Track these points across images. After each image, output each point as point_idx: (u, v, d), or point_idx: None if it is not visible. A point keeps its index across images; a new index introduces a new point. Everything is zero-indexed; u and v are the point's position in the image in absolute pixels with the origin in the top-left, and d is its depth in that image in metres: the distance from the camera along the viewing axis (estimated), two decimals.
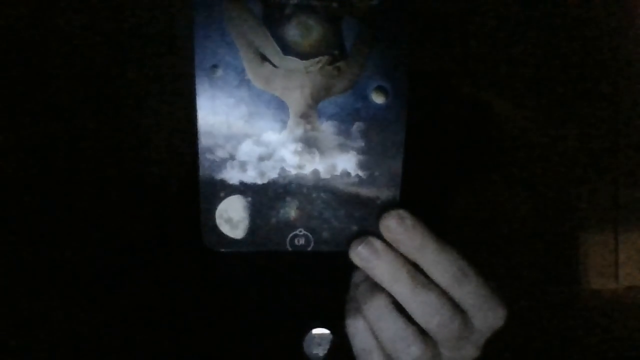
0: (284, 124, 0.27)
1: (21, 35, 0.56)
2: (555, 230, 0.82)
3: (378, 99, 0.27)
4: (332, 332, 0.39)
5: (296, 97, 0.27)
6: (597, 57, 0.81)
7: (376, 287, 0.28)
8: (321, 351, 0.39)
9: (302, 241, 0.28)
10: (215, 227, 0.27)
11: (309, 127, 0.27)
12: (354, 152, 0.27)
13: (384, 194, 0.28)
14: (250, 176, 0.27)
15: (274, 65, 0.26)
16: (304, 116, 0.27)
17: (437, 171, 0.58)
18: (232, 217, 0.27)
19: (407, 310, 0.28)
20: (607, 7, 0.80)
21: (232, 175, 0.27)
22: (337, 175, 0.28)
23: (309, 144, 0.27)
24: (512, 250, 0.77)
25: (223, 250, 0.28)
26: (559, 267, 0.83)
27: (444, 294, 0.28)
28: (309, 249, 0.28)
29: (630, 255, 0.86)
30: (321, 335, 0.40)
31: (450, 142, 0.65)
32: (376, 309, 0.28)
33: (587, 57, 0.81)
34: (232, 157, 0.27)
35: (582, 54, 0.80)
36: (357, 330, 0.29)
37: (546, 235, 0.81)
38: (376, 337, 0.29)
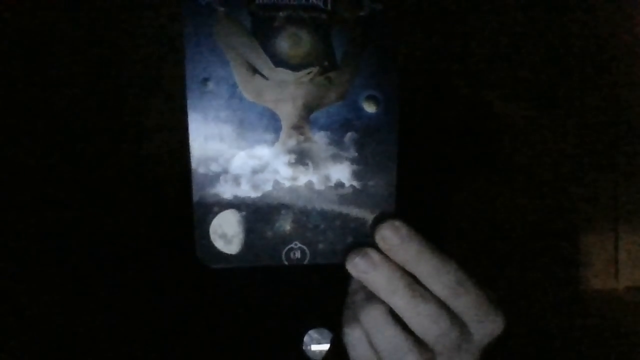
0: (276, 136, 0.26)
1: (20, 36, 0.56)
2: (555, 230, 0.82)
3: (370, 108, 0.27)
4: (331, 331, 0.39)
5: (288, 109, 0.26)
6: (597, 57, 0.81)
7: (373, 296, 0.28)
8: (319, 352, 0.39)
9: (297, 255, 0.28)
10: (209, 243, 0.27)
11: (301, 138, 0.27)
12: (348, 163, 0.27)
13: (379, 203, 0.28)
14: (244, 190, 0.27)
15: (265, 78, 0.26)
16: (297, 127, 0.27)
17: (437, 171, 0.58)
18: (226, 232, 0.27)
19: (405, 320, 0.28)
20: (607, 7, 0.80)
21: (225, 190, 0.26)
22: (331, 187, 0.27)
23: (302, 155, 0.27)
24: (512, 250, 0.77)
25: (217, 266, 0.27)
26: (559, 267, 0.83)
27: (441, 304, 0.27)
28: (305, 262, 0.28)
29: (630, 255, 0.85)
30: (320, 335, 0.39)
31: (451, 142, 0.64)
32: (373, 319, 0.28)
33: (587, 57, 0.80)
34: (225, 171, 0.26)
35: (582, 54, 0.80)
36: (355, 339, 0.29)
37: (546, 235, 0.80)
38: (373, 346, 0.29)
